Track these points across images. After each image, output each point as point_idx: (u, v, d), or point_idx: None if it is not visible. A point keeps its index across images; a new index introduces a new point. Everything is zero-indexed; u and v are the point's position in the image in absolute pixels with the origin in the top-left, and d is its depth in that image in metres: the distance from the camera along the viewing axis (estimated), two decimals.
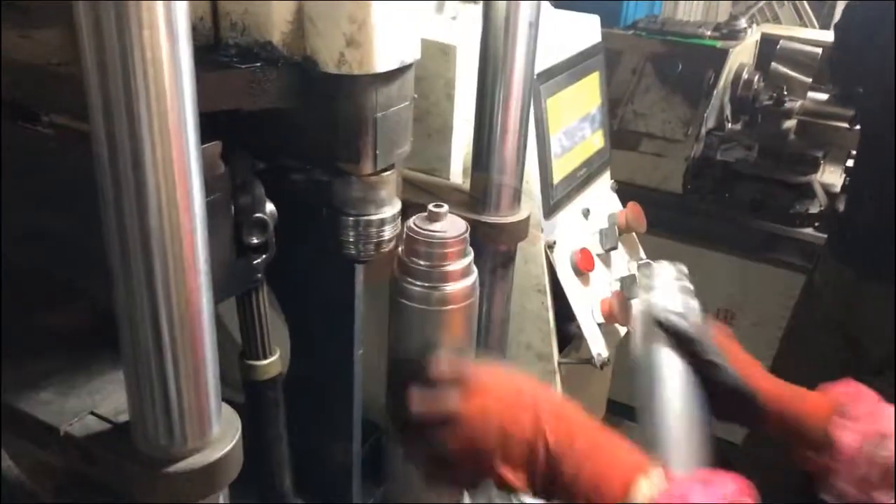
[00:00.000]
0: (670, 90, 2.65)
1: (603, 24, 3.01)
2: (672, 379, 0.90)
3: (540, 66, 1.27)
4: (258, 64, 0.82)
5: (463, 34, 1.19)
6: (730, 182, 2.67)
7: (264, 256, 0.97)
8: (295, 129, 0.88)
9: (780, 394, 0.97)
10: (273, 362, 1.05)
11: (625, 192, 1.65)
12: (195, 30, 0.83)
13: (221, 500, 0.77)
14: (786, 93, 2.68)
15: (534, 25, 1.06)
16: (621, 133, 2.67)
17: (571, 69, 1.39)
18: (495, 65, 1.08)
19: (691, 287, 1.00)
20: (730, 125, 2.78)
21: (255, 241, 0.94)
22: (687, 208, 2.64)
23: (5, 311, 0.90)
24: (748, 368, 0.96)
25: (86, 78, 0.60)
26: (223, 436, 0.73)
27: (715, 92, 2.61)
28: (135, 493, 0.72)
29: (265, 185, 0.94)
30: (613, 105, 2.74)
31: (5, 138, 0.87)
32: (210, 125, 0.82)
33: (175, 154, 0.62)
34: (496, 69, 1.08)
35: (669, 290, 0.98)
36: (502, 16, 1.04)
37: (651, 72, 2.69)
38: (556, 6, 1.50)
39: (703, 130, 2.63)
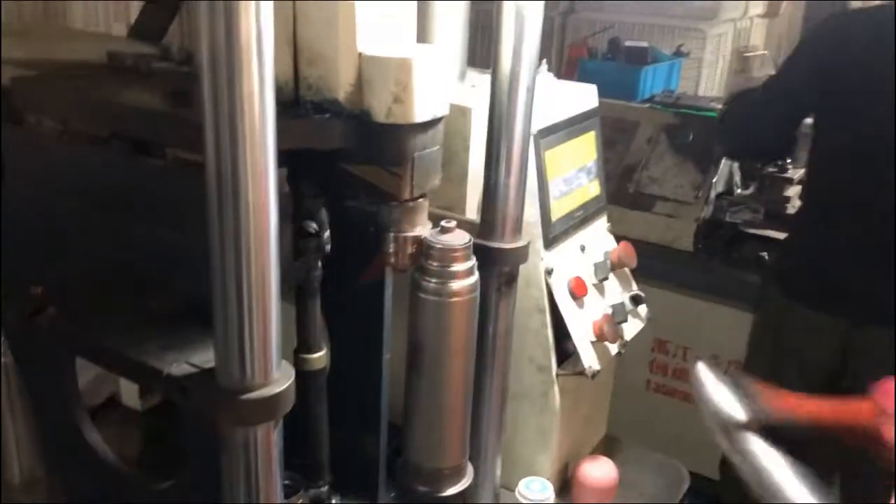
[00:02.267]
0: (682, 157, 2.85)
1: (621, 98, 3.28)
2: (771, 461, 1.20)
3: (540, 124, 1.51)
4: (327, 115, 1.09)
5: (478, 98, 1.45)
6: (738, 241, 2.82)
7: (320, 267, 1.21)
8: (352, 165, 1.15)
9: (825, 412, 1.24)
10: (322, 356, 1.29)
11: (640, 248, 1.76)
12: (281, 91, 1.11)
13: (274, 435, 1.01)
14: (789, 162, 2.92)
15: (531, 90, 1.30)
16: (637, 195, 2.87)
17: (569, 128, 1.61)
18: (500, 122, 1.30)
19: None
20: (739, 190, 2.98)
21: (313, 256, 1.19)
22: (697, 265, 2.79)
23: (123, 298, 1.19)
24: (789, 401, 1.24)
25: (204, 126, 0.81)
26: (280, 377, 0.97)
27: (723, 160, 2.84)
28: (216, 415, 0.97)
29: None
30: (630, 170, 2.96)
31: (130, 168, 1.18)
32: (289, 160, 1.12)
33: (262, 178, 0.85)
34: (500, 126, 1.31)
35: (716, 387, 1.29)
36: (506, 82, 1.28)
37: (665, 141, 2.90)
38: (578, 81, 1.77)
39: (713, 194, 2.80)
